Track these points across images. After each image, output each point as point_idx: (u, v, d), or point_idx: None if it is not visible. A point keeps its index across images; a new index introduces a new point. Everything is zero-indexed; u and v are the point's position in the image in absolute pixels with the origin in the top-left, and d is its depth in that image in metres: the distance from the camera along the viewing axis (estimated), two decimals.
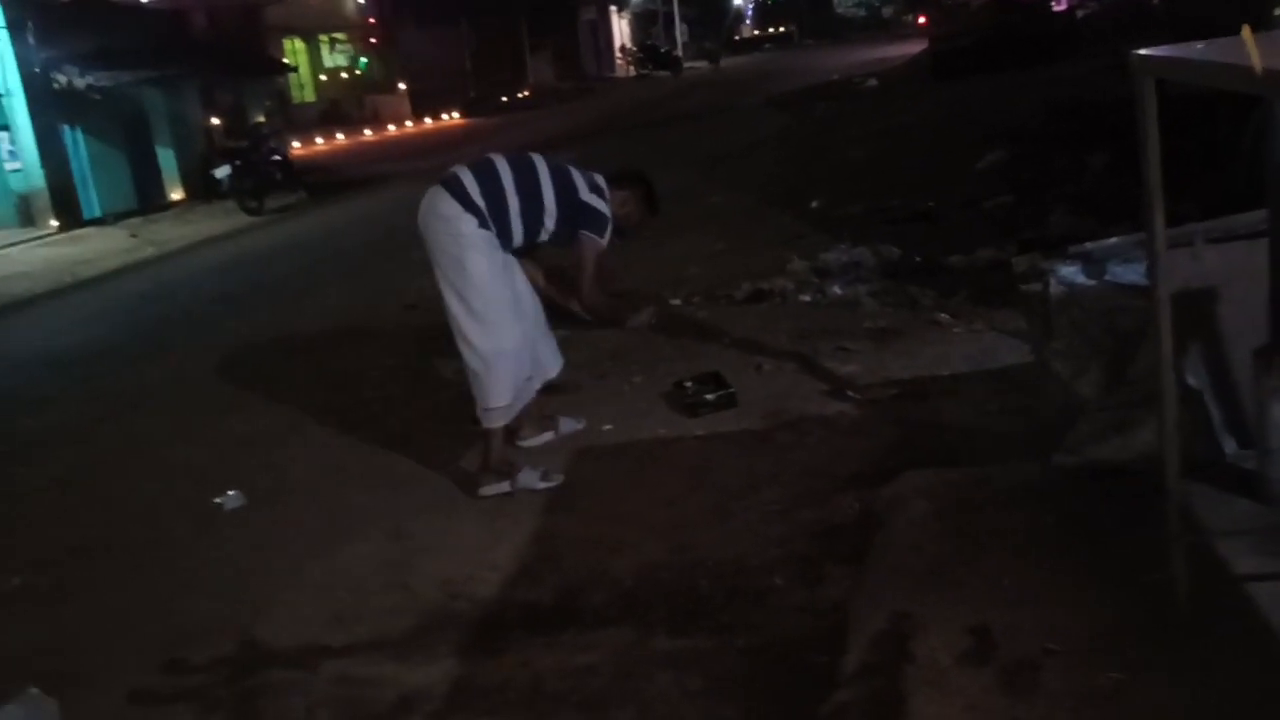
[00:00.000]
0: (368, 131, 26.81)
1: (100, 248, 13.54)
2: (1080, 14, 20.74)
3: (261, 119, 18.54)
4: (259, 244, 12.67)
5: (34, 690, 3.06)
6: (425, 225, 4.16)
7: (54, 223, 15.17)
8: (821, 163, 11.74)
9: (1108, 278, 3.13)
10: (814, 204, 9.13)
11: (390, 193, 14.25)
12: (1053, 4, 22.57)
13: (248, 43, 23.48)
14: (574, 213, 4.20)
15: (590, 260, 4.25)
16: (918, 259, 6.53)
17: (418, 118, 29.02)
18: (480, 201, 4.07)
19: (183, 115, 18.21)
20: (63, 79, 15.72)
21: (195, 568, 4.00)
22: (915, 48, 25.24)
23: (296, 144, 21.66)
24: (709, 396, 4.72)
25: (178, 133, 17.91)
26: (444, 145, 19.83)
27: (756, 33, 58.33)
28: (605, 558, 3.58)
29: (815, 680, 2.64)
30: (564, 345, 4.70)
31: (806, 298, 6.28)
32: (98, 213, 15.99)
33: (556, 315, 4.63)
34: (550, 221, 4.21)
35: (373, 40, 30.63)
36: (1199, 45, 2.03)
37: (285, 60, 26.51)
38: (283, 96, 25.60)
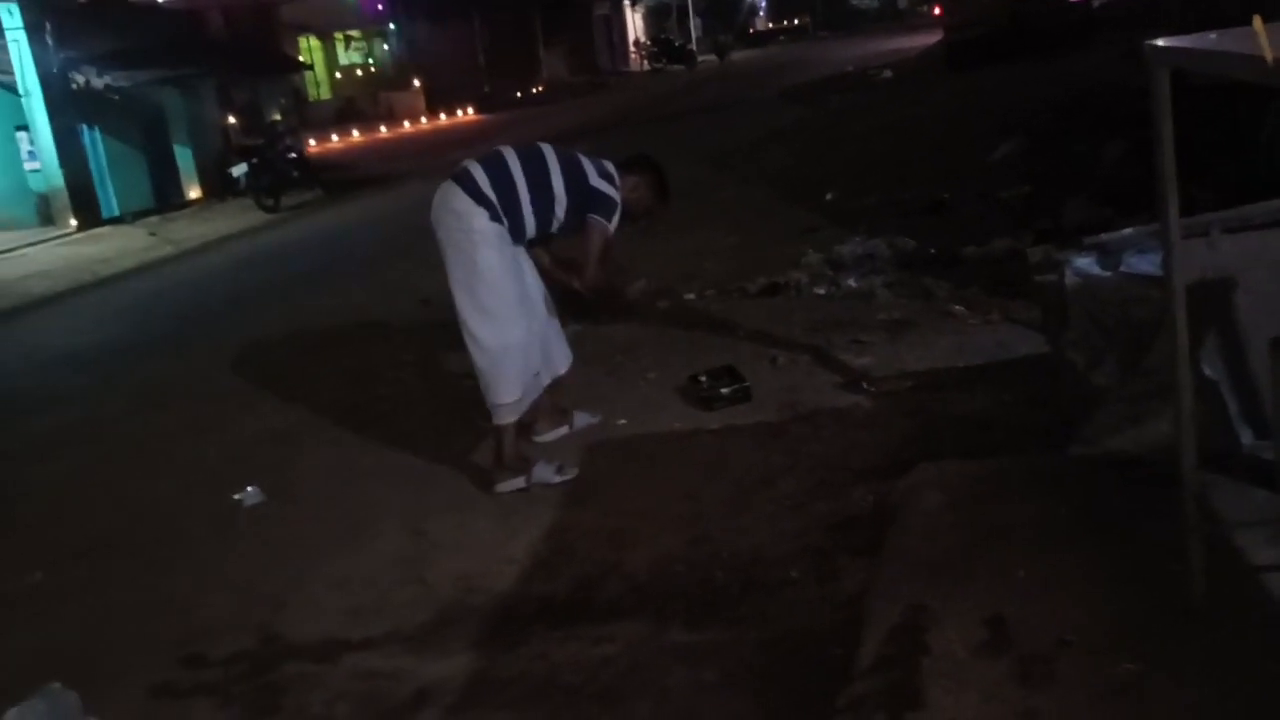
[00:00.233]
0: (383, 128, 26.89)
1: (119, 246, 13.64)
2: (1096, 3, 20.57)
3: (277, 117, 18.61)
4: (275, 241, 12.74)
5: (56, 685, 3.10)
6: (437, 220, 4.18)
7: (73, 222, 15.27)
8: (836, 155, 11.71)
9: (1123, 268, 3.11)
10: (828, 196, 9.11)
11: (405, 189, 14.29)
12: None
13: (263, 41, 23.57)
14: (584, 199, 4.21)
15: (598, 244, 4.25)
16: (932, 250, 6.50)
17: (432, 114, 29.08)
18: (491, 194, 4.08)
19: (199, 114, 18.29)
20: (81, 79, 15.82)
21: (214, 563, 4.04)
22: (930, 39, 25.11)
23: (312, 141, 21.74)
24: (724, 390, 4.72)
25: (195, 131, 18.00)
26: (458, 141, 19.86)
27: (770, 25, 58.17)
28: (621, 551, 3.59)
29: (831, 672, 2.64)
30: (577, 341, 4.71)
31: (821, 290, 6.26)
32: (116, 212, 16.09)
33: (569, 309, 4.63)
34: (561, 210, 4.22)
35: (386, 38, 30.71)
36: (1212, 35, 2.02)
37: (300, 58, 26.61)
38: (298, 94, 25.69)
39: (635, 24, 46.14)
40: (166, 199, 16.99)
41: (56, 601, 3.95)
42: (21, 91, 15.26)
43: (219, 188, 16.69)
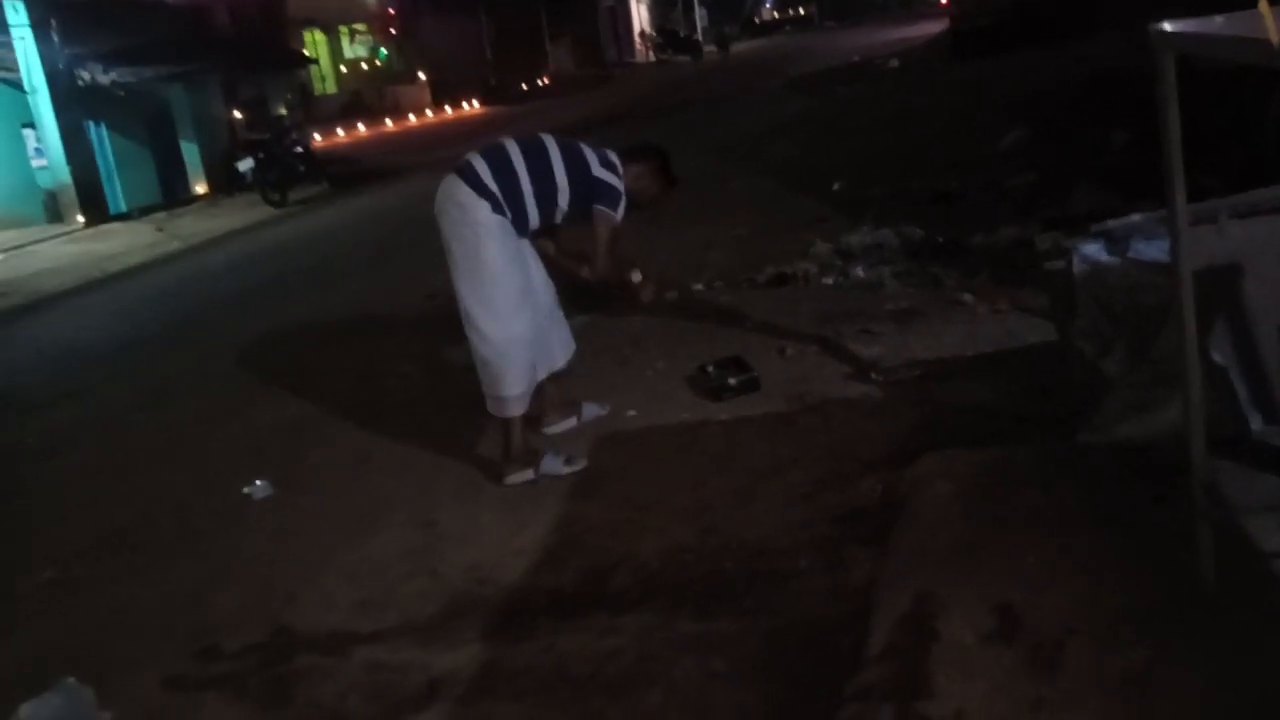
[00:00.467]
0: (389, 122, 26.89)
1: (127, 242, 13.68)
2: None
3: (283, 111, 18.68)
4: (282, 236, 12.76)
5: (70, 679, 3.12)
6: (441, 213, 4.17)
7: (80, 218, 15.33)
8: (843, 145, 11.68)
9: (1131, 255, 3.10)
10: (836, 186, 9.08)
11: (411, 183, 14.30)
12: None
13: (269, 36, 23.57)
14: (587, 189, 4.21)
15: (605, 234, 4.25)
16: (940, 240, 6.49)
17: (438, 107, 29.08)
18: (494, 186, 4.08)
19: (206, 109, 18.34)
20: (87, 76, 15.87)
21: (225, 557, 4.06)
22: (936, 27, 25.03)
23: (318, 136, 21.75)
24: (732, 381, 4.71)
25: (201, 127, 18.04)
26: (464, 134, 19.84)
27: (776, 15, 58.00)
28: (629, 542, 3.59)
29: (839, 662, 2.64)
30: (585, 331, 4.70)
31: (829, 280, 6.26)
32: (123, 208, 16.15)
33: (577, 300, 4.62)
34: (564, 201, 4.21)
35: (392, 31, 30.68)
36: (1218, 19, 2.01)
37: (306, 52, 26.61)
38: (304, 89, 25.73)
39: (641, 15, 46.01)
40: (173, 195, 17.05)
41: (69, 596, 3.97)
42: (28, 89, 15.32)
43: (225, 183, 16.74)
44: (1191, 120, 2.14)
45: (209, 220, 14.85)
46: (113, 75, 16.04)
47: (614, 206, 4.23)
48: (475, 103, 29.61)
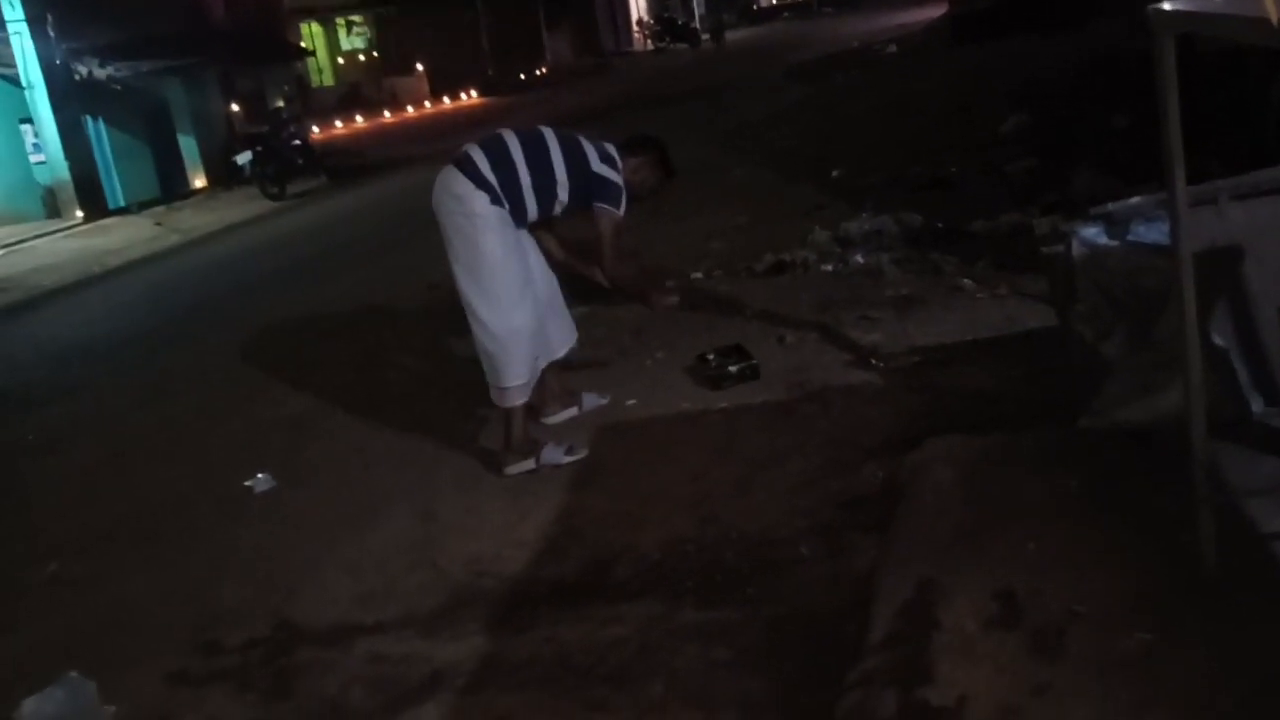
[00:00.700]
0: (387, 113, 26.86)
1: (126, 237, 13.66)
2: None
3: (281, 104, 18.59)
4: (282, 229, 12.74)
5: (73, 673, 3.12)
6: (439, 205, 4.16)
7: (79, 213, 15.31)
8: (842, 132, 11.64)
9: (1131, 238, 3.09)
10: (835, 173, 9.07)
11: (409, 174, 14.27)
12: None
13: (266, 28, 23.52)
14: (587, 184, 4.19)
15: (610, 233, 4.24)
16: (940, 225, 6.47)
17: (436, 98, 29.02)
18: (492, 178, 4.07)
19: (203, 103, 18.31)
20: (83, 70, 15.83)
21: (227, 550, 4.06)
22: (934, 12, 24.91)
23: (316, 128, 21.72)
24: (732, 369, 4.71)
25: (199, 120, 18.01)
26: (463, 125, 19.80)
27: (774, 2, 57.78)
28: (631, 532, 3.59)
29: (842, 649, 2.63)
30: (585, 321, 4.70)
31: (828, 268, 6.24)
32: (122, 202, 16.12)
33: (578, 290, 4.62)
34: (563, 194, 4.20)
35: (389, 21, 30.62)
36: None
37: (303, 45, 26.56)
38: (302, 81, 25.67)
39: (638, 3, 45.86)
40: (172, 189, 17.01)
41: (72, 590, 3.97)
42: (25, 84, 15.28)
43: (224, 176, 16.72)
44: (1193, 103, 2.13)
45: (208, 214, 14.83)
46: (110, 70, 16.00)
47: (615, 203, 4.22)
48: (473, 94, 29.54)
